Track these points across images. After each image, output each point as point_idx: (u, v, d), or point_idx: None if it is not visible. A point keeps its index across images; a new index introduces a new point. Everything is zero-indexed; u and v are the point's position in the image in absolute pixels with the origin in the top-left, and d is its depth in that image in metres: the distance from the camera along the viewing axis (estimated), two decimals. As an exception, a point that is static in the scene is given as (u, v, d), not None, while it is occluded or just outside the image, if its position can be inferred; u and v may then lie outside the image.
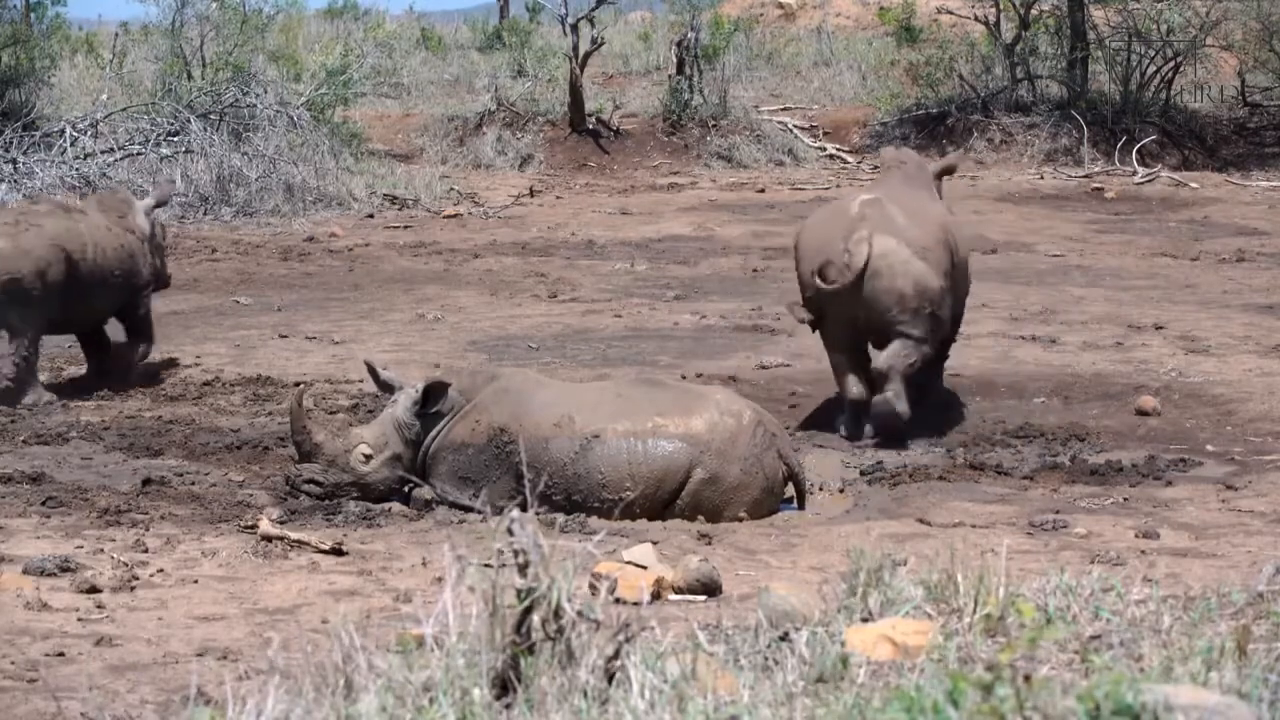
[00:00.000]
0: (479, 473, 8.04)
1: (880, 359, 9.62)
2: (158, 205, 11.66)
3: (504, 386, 8.21)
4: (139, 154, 19.34)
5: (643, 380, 8.58)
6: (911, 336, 9.60)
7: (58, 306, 10.54)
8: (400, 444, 8.25)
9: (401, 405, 8.28)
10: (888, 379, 9.52)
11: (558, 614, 3.67)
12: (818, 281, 9.60)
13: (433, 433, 8.21)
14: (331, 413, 10.04)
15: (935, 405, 10.12)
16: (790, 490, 8.29)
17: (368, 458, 8.24)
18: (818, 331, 9.95)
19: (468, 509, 7.91)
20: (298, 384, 10.91)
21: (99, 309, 10.95)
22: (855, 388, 9.68)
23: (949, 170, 10.95)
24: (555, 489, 7.76)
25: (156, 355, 11.81)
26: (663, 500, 7.92)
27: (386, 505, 8.34)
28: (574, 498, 7.86)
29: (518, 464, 7.74)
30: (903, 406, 9.46)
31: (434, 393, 8.18)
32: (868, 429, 9.63)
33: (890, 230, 9.61)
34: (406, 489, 8.30)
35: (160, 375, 11.33)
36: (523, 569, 3.70)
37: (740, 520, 7.90)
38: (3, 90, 20.72)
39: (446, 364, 10.58)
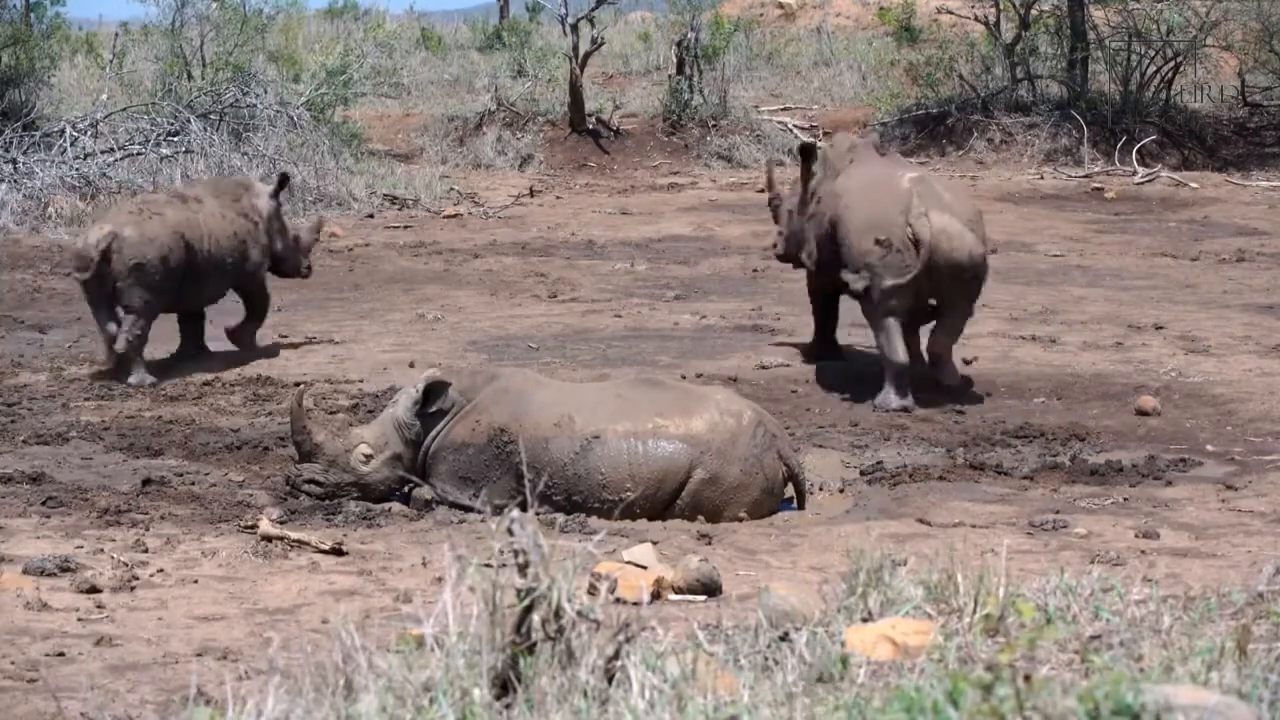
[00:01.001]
0: (479, 473, 8.05)
1: (936, 342, 10.51)
2: (280, 189, 12.28)
3: (504, 386, 8.22)
4: (139, 154, 19.34)
5: (643, 380, 8.59)
6: (958, 308, 10.41)
7: (176, 290, 11.33)
8: (400, 444, 8.26)
9: (402, 405, 8.29)
10: (942, 360, 10.51)
11: (558, 614, 3.67)
12: (879, 248, 10.19)
13: (433, 432, 8.22)
14: (331, 413, 10.04)
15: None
16: (790, 490, 8.30)
17: (368, 458, 8.25)
18: (882, 304, 10.31)
19: (468, 509, 7.92)
20: (298, 384, 10.92)
21: (211, 292, 11.77)
22: (902, 354, 10.33)
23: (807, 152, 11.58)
24: (555, 489, 7.77)
25: (158, 354, 11.83)
26: (663, 501, 7.92)
27: (386, 505, 8.34)
28: (574, 498, 7.86)
29: (518, 464, 7.75)
30: (955, 379, 10.55)
31: (434, 392, 8.19)
32: (894, 397, 10.26)
33: (942, 205, 10.29)
34: (407, 489, 8.31)
35: (160, 375, 11.34)
36: (523, 569, 3.70)
37: (740, 520, 7.90)
38: (3, 90, 20.72)
39: (447, 364, 10.58)
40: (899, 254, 10.13)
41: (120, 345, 11.07)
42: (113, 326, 11.13)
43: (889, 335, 10.30)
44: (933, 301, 10.43)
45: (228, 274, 11.75)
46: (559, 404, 8.04)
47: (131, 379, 11.02)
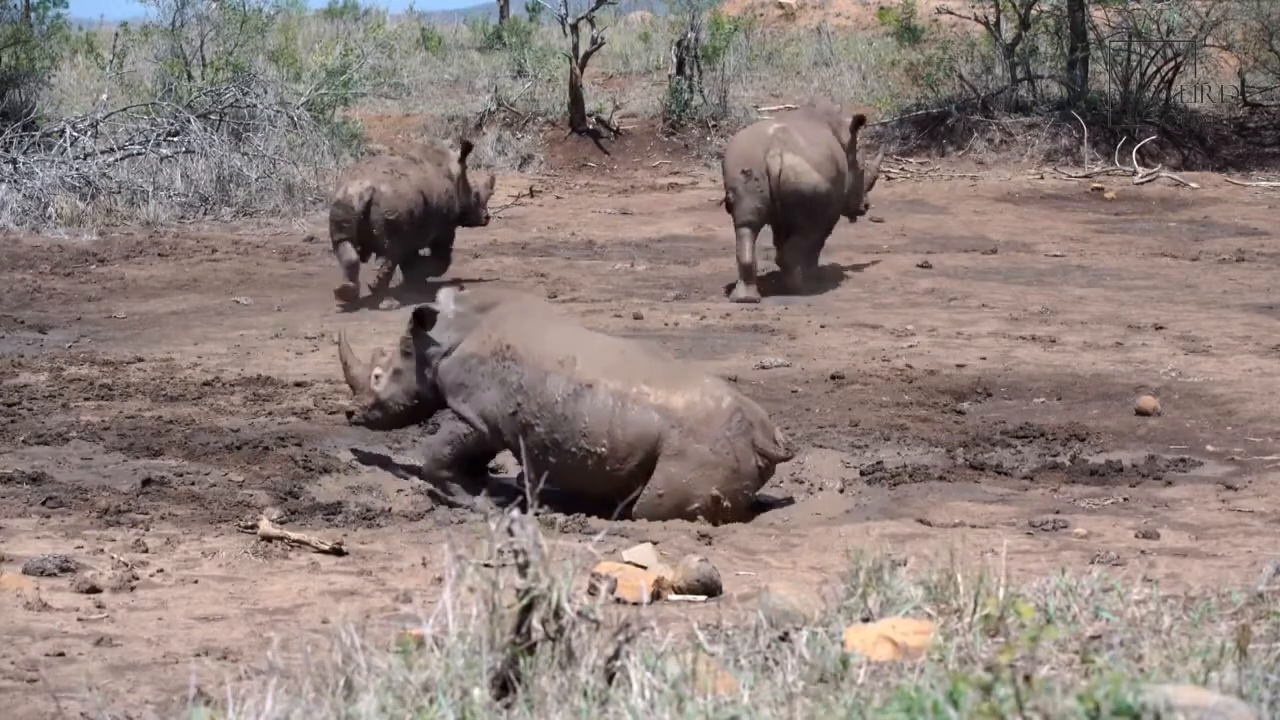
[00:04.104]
0: (474, 381, 8.40)
1: (785, 255, 14.19)
2: (465, 153, 14.70)
3: (525, 309, 8.72)
4: (139, 154, 19.34)
5: (648, 348, 8.81)
6: (803, 228, 14.02)
7: (416, 237, 13.93)
8: (400, 359, 8.81)
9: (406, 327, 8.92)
10: (789, 268, 14.17)
11: (558, 614, 3.67)
12: (743, 176, 13.83)
13: (447, 348, 8.60)
14: (331, 413, 10.06)
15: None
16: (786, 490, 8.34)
17: (378, 377, 8.91)
18: (731, 211, 14.15)
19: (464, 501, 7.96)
20: (298, 384, 10.94)
21: (429, 238, 14.25)
22: (748, 255, 13.91)
23: (860, 121, 14.74)
24: (540, 422, 8.08)
25: (158, 354, 11.85)
26: (631, 469, 8.03)
27: (387, 505, 8.37)
28: (555, 436, 8.09)
29: (511, 383, 8.17)
30: (799, 283, 14.15)
31: (424, 316, 8.72)
32: (741, 289, 13.99)
33: (796, 149, 13.82)
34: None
35: (160, 375, 11.34)
36: (523, 569, 3.70)
37: (714, 497, 7.93)
38: (3, 90, 20.71)
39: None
40: (756, 181, 13.76)
41: (375, 281, 13.65)
42: (351, 260, 13.61)
43: (740, 241, 13.94)
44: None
45: (440, 224, 14.18)
46: (567, 343, 8.31)
47: (383, 305, 13.50)
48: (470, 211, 14.77)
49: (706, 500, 7.95)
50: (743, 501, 8.13)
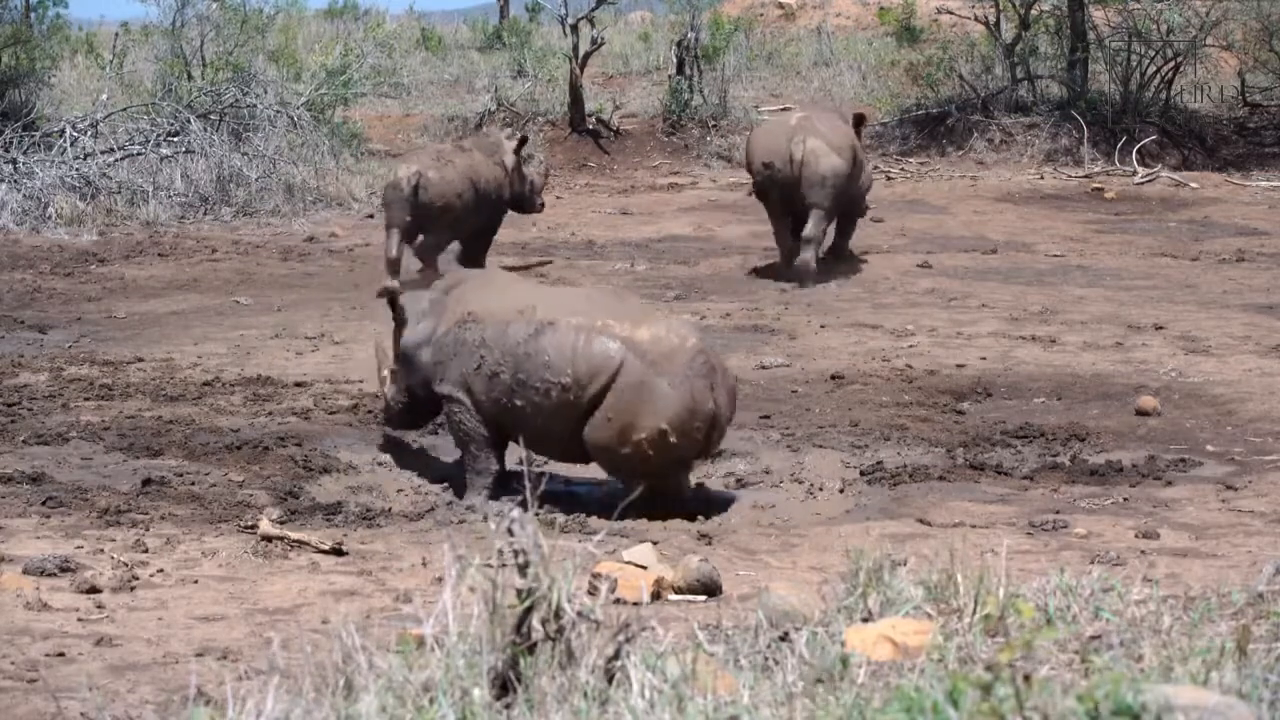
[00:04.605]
0: (445, 355, 8.55)
1: (805, 230, 14.62)
2: (520, 145, 15.19)
3: (488, 280, 8.97)
4: (139, 154, 19.34)
5: (618, 293, 8.98)
6: (824, 208, 14.55)
7: (462, 221, 14.42)
8: (391, 359, 9.04)
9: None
10: (808, 243, 14.61)
11: (558, 614, 3.68)
12: (765, 169, 14.67)
13: (427, 338, 8.74)
14: (331, 413, 10.07)
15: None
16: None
17: (383, 380, 9.19)
18: (762, 201, 15.16)
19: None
20: (298, 384, 10.93)
21: (476, 223, 14.68)
22: (789, 241, 14.81)
23: (860, 119, 15.68)
24: (504, 368, 8.24)
25: (158, 354, 11.84)
26: (593, 397, 8.04)
27: (387, 505, 8.37)
28: (520, 376, 8.19)
29: (476, 347, 8.31)
30: (815, 264, 14.63)
31: (392, 298, 8.99)
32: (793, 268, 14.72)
33: (817, 134, 14.64)
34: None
35: (160, 375, 11.34)
36: (523, 569, 3.70)
37: (662, 430, 7.91)
38: (3, 90, 20.70)
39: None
40: (779, 171, 14.50)
41: (416, 250, 14.36)
42: (394, 246, 14.31)
43: (777, 230, 14.95)
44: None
45: (487, 210, 14.70)
46: (528, 297, 8.50)
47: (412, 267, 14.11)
48: (524, 200, 15.28)
49: (653, 433, 7.93)
50: (691, 444, 8.09)
